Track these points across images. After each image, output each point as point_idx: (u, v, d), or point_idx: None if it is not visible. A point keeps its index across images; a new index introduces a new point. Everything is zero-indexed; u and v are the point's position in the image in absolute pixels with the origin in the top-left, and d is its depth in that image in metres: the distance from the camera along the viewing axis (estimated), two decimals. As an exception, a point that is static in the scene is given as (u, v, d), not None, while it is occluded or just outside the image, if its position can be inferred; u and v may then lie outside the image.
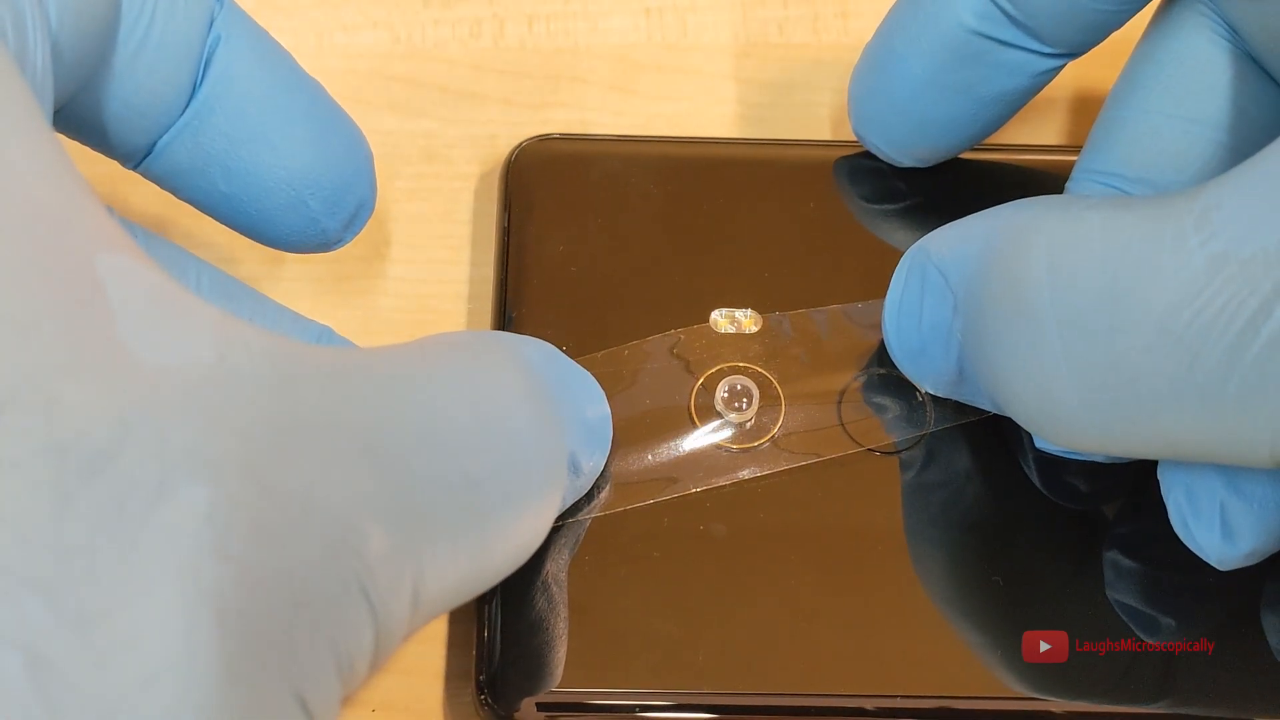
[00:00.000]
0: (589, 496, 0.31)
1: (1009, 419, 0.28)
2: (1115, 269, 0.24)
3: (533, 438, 0.26)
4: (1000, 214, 0.28)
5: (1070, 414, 0.26)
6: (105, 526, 0.18)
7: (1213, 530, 0.28)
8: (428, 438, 0.23)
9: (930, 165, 0.35)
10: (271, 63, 0.29)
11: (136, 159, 0.29)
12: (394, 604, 0.22)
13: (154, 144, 0.28)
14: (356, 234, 0.31)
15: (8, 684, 0.17)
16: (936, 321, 0.29)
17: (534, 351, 0.29)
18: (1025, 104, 0.33)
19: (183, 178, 0.29)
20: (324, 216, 0.29)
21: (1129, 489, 0.32)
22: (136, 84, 0.27)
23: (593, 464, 0.30)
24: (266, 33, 0.29)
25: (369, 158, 0.30)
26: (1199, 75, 0.31)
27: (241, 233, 0.30)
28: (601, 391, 0.30)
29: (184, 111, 0.28)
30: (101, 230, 0.21)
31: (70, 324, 0.19)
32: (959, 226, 0.29)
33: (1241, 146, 0.30)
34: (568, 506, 0.30)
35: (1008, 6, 0.31)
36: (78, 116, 0.27)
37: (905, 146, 0.34)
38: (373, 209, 0.31)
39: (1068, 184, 0.32)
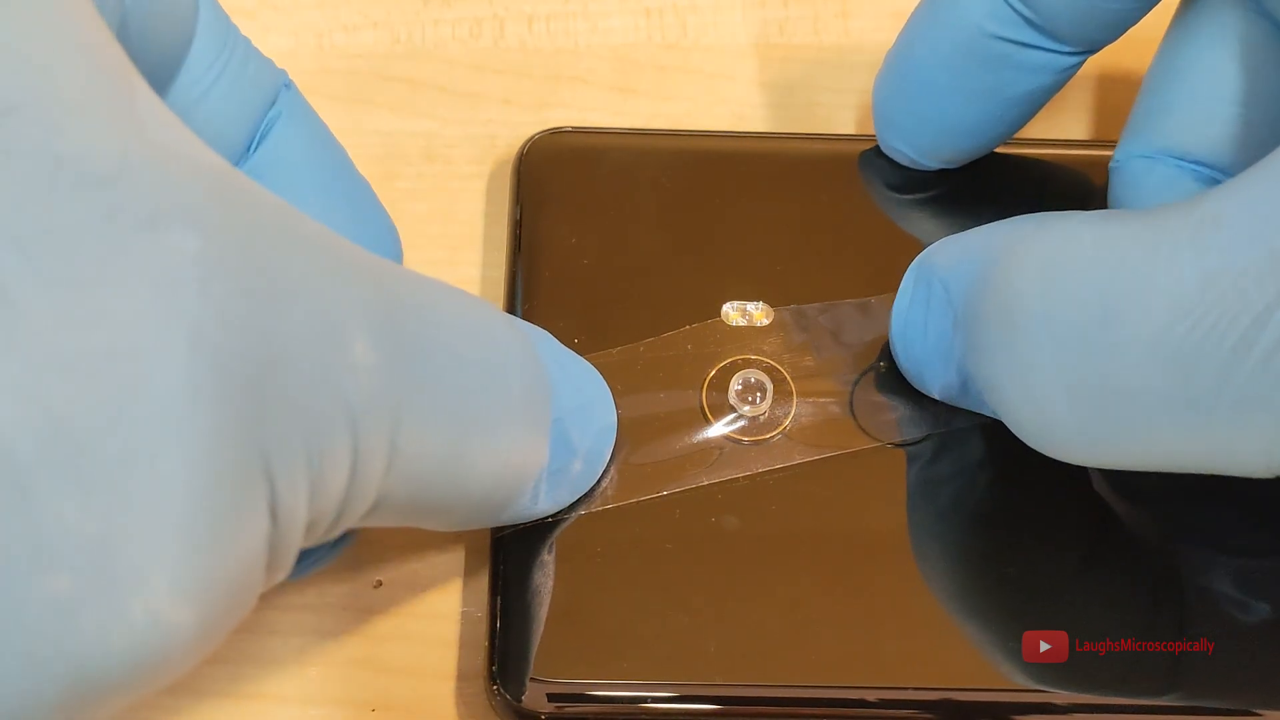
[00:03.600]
0: (600, 487, 0.31)
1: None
2: (1107, 286, 0.25)
3: (513, 353, 0.26)
4: (998, 229, 0.28)
5: (1064, 428, 0.26)
6: (94, 226, 0.18)
7: None
8: (419, 301, 0.23)
9: (956, 167, 0.35)
10: (323, 146, 0.30)
11: None
12: (371, 435, 0.21)
13: None
14: None
15: None
16: (940, 334, 0.30)
17: (526, 325, 0.29)
18: (1047, 101, 0.33)
19: None
20: None
21: (1148, 483, 0.32)
22: (193, 129, 0.28)
23: (589, 445, 0.30)
24: (321, 120, 0.30)
25: (400, 252, 0.31)
26: (1243, 56, 0.30)
27: None
28: (601, 378, 0.30)
29: None
30: (136, 73, 0.21)
31: (91, 83, 0.19)
32: (960, 240, 0.30)
33: None
34: (578, 495, 0.30)
35: (1022, 8, 0.31)
36: None
37: (932, 151, 0.34)
38: None
39: (1111, 164, 0.33)
